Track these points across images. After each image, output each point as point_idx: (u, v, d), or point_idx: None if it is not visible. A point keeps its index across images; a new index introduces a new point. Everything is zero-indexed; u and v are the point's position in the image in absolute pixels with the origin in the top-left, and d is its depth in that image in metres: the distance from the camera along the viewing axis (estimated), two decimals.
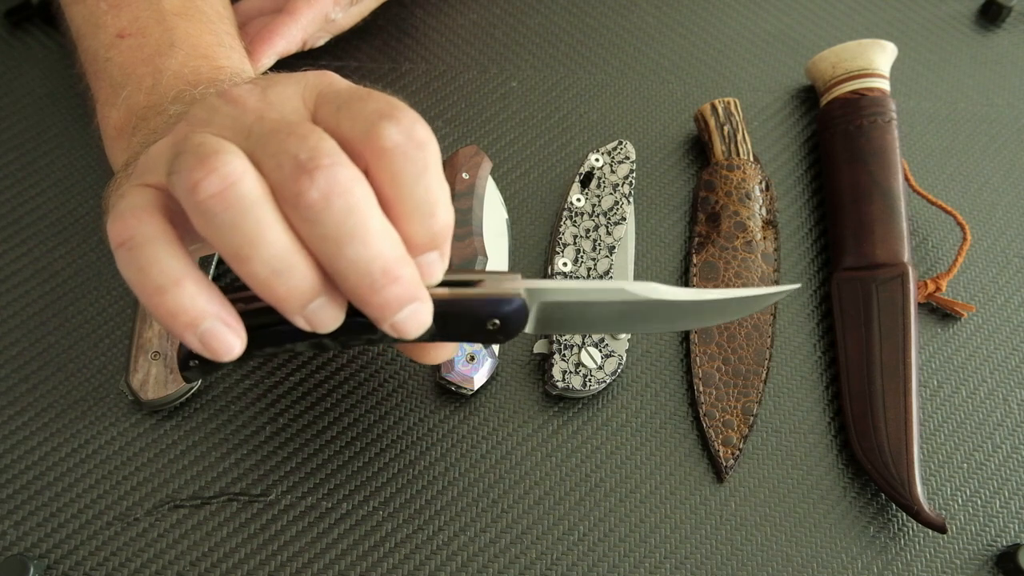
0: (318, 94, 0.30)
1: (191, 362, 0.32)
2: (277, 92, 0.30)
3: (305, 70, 0.32)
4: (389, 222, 0.28)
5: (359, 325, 0.30)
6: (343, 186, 0.26)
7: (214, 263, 0.45)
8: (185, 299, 0.27)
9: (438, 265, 0.31)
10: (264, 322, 0.30)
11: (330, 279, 0.28)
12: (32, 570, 0.39)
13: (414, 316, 0.29)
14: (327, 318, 0.29)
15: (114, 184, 0.34)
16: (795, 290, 0.37)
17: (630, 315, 0.35)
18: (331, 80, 0.31)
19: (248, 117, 0.28)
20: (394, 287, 0.28)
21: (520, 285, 0.33)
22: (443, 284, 0.32)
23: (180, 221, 0.28)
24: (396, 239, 0.28)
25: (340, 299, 0.29)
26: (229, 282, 0.42)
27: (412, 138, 0.28)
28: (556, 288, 0.34)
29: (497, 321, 0.32)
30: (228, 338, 0.28)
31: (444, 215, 0.29)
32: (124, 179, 0.32)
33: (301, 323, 0.29)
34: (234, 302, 0.29)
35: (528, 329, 0.34)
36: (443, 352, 0.36)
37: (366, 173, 0.28)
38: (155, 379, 0.43)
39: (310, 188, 0.26)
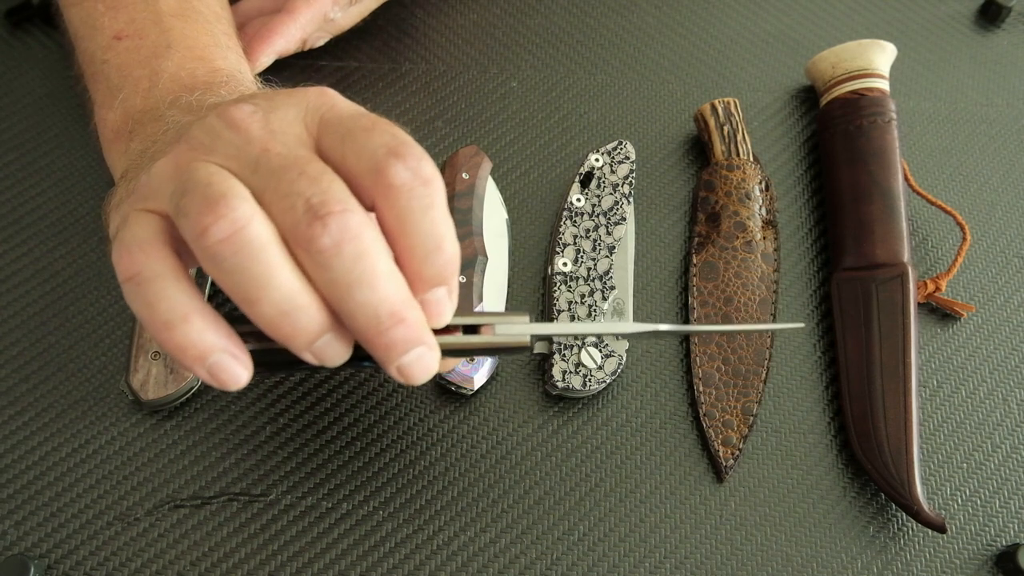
0: (320, 119, 0.30)
1: None
2: (279, 117, 0.29)
3: (306, 81, 0.32)
4: (395, 264, 0.29)
5: (365, 362, 0.31)
6: (353, 232, 0.27)
7: (209, 281, 0.45)
8: (193, 334, 0.28)
9: (446, 304, 0.31)
10: (270, 355, 0.31)
11: (337, 317, 0.29)
12: (32, 570, 0.39)
13: (420, 361, 0.30)
14: (334, 354, 0.30)
15: (115, 198, 0.34)
16: (798, 328, 0.38)
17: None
18: (332, 102, 0.30)
19: (253, 148, 0.28)
20: (400, 328, 0.29)
21: (527, 330, 0.34)
22: (450, 328, 0.32)
23: (186, 249, 0.29)
24: (402, 282, 0.29)
25: (347, 335, 0.30)
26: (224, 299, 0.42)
27: (419, 176, 0.28)
28: (563, 332, 0.36)
29: (503, 352, 0.34)
30: (236, 370, 0.29)
31: (450, 249, 0.30)
32: (125, 195, 0.32)
33: (308, 358, 0.30)
34: (241, 335, 0.30)
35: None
36: (425, 366, 0.36)
37: (372, 207, 0.29)
38: (155, 379, 0.43)
39: (322, 235, 0.27)
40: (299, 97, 0.30)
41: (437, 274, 0.30)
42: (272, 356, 0.31)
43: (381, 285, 0.28)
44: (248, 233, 0.27)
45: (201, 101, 0.35)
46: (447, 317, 0.31)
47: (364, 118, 0.30)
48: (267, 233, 0.27)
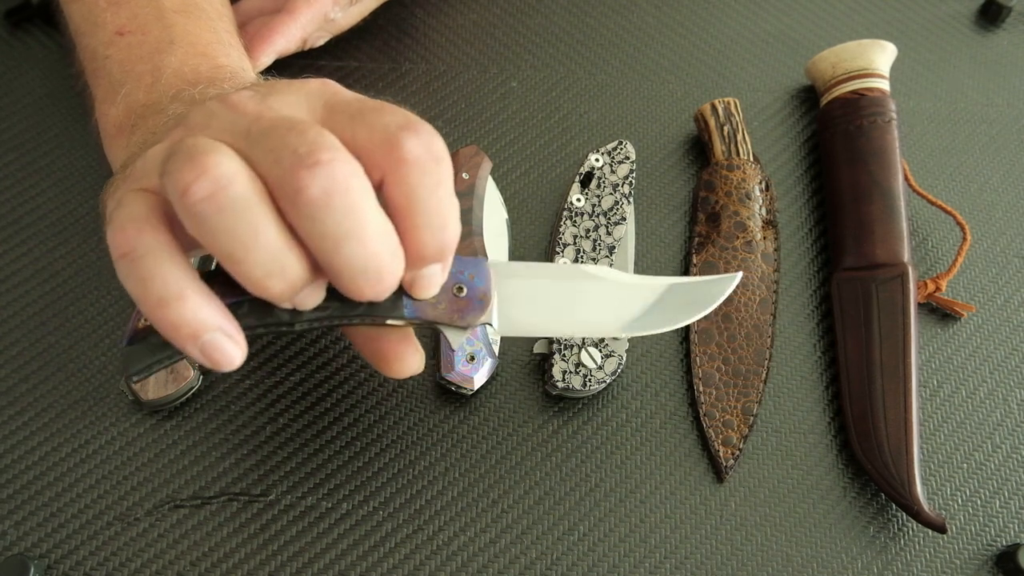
0: (325, 104, 0.30)
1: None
2: (278, 98, 0.29)
3: (307, 76, 0.32)
4: (387, 219, 0.28)
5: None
6: (343, 184, 0.26)
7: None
8: (188, 312, 0.27)
9: (438, 278, 0.31)
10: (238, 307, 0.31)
11: (316, 264, 0.29)
12: (32, 570, 0.39)
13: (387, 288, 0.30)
14: (311, 301, 0.30)
15: (111, 187, 0.34)
16: (739, 278, 0.38)
17: (580, 298, 0.36)
18: (336, 89, 0.30)
19: (247, 119, 0.28)
20: (383, 283, 0.29)
21: (485, 259, 0.34)
22: None
23: (180, 226, 0.28)
24: (392, 235, 0.28)
25: (324, 281, 0.30)
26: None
27: (431, 151, 0.28)
28: (514, 264, 0.36)
29: (464, 288, 0.33)
30: (230, 349, 0.29)
31: (454, 228, 0.30)
32: (121, 182, 0.32)
33: (286, 306, 0.29)
34: (211, 284, 0.29)
35: (493, 320, 0.34)
36: (408, 364, 0.35)
37: (381, 182, 0.28)
38: (155, 379, 0.43)
39: (310, 184, 0.26)
40: (300, 84, 0.30)
41: (439, 252, 0.30)
42: (244, 310, 0.30)
43: (371, 241, 0.27)
44: (232, 191, 0.26)
45: (204, 95, 0.35)
46: (436, 290, 0.32)
47: (372, 101, 0.30)
48: (252, 190, 0.26)
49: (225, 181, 0.26)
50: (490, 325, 0.34)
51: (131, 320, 0.32)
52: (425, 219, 0.29)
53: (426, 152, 0.28)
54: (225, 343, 0.28)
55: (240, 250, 0.27)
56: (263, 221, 0.26)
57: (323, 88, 0.30)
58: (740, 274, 0.39)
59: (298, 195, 0.26)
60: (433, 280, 0.31)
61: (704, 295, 0.38)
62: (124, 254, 0.27)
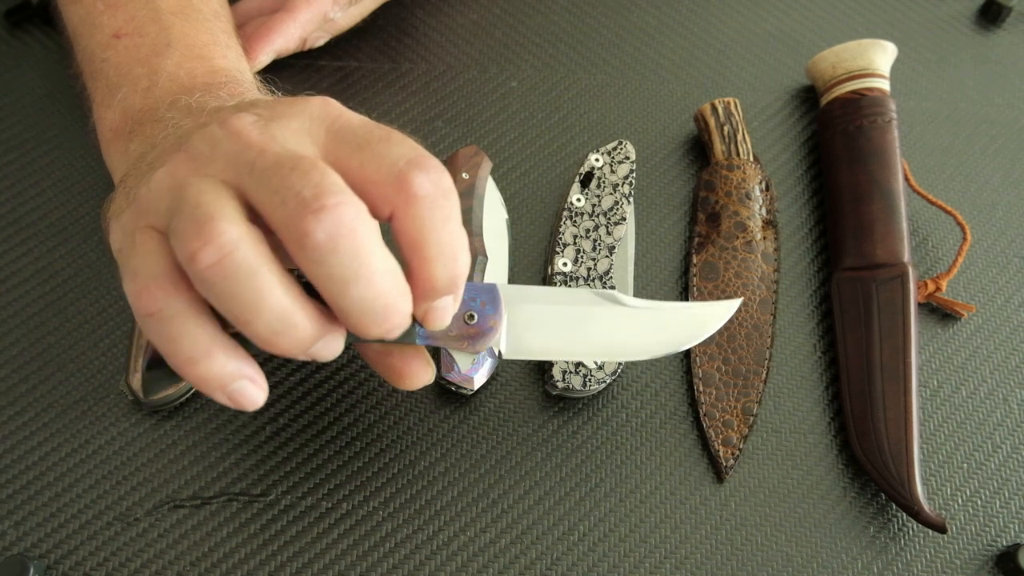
0: (328, 130, 0.30)
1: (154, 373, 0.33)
2: (281, 126, 0.29)
3: (307, 93, 0.32)
4: (392, 256, 0.29)
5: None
6: (349, 227, 0.27)
7: None
8: (215, 368, 0.29)
9: (451, 310, 0.32)
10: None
11: (330, 315, 0.30)
12: (32, 570, 0.39)
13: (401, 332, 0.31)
14: (329, 353, 0.31)
15: (114, 204, 0.34)
16: (738, 304, 0.40)
17: (590, 321, 0.37)
18: (338, 113, 0.30)
19: (250, 153, 0.28)
20: (392, 321, 0.29)
21: (497, 285, 0.35)
22: None
23: None
24: (398, 273, 0.29)
25: (340, 332, 0.31)
26: None
27: (439, 187, 0.29)
28: (525, 289, 0.36)
29: (475, 316, 0.34)
30: (254, 394, 0.31)
31: (464, 260, 0.30)
32: (125, 204, 0.32)
33: (302, 359, 0.31)
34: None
35: (502, 346, 0.36)
36: (420, 378, 0.36)
37: (389, 216, 0.29)
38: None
39: (316, 230, 0.26)
40: (302, 107, 0.30)
41: (449, 284, 0.30)
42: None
43: (377, 280, 0.28)
44: (236, 258, 0.26)
45: (201, 103, 0.35)
46: (448, 321, 0.32)
47: (378, 129, 0.30)
48: (256, 254, 0.27)
49: (231, 247, 0.26)
50: (499, 352, 0.36)
51: (148, 344, 0.33)
52: (436, 252, 0.29)
53: (435, 188, 0.29)
54: (249, 389, 0.30)
55: (246, 312, 0.27)
56: (268, 285, 0.27)
57: (325, 111, 0.30)
58: (740, 300, 0.40)
59: (304, 240, 0.27)
60: (445, 312, 0.31)
61: (706, 320, 0.39)
62: (151, 314, 0.28)
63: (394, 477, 0.43)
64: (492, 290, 0.35)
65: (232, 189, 0.28)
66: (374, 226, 0.28)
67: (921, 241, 0.51)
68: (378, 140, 0.29)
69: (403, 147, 0.29)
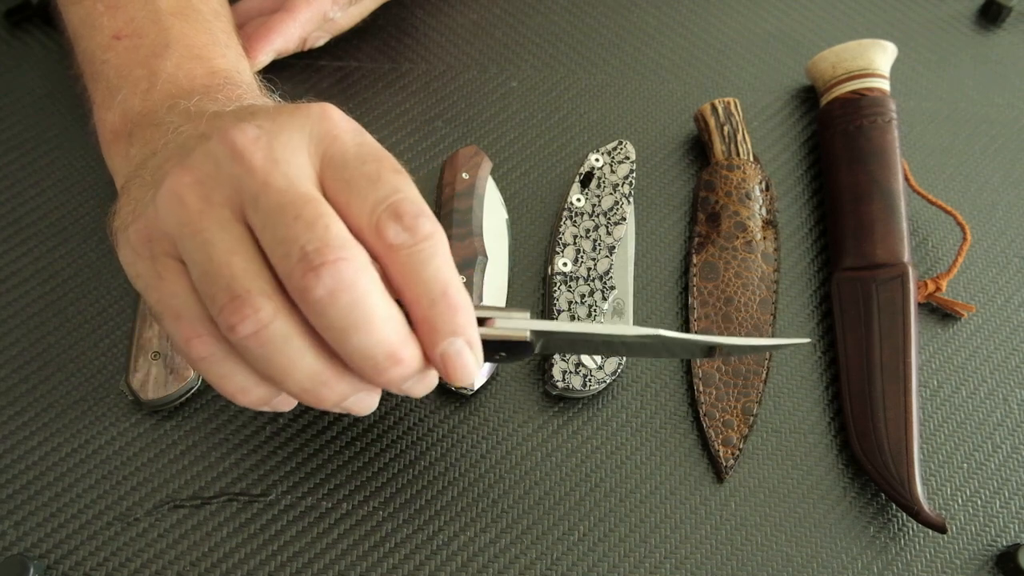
0: (323, 155, 0.30)
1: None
2: (283, 144, 0.30)
3: (308, 99, 0.32)
4: (394, 305, 0.30)
5: None
6: (348, 282, 0.28)
7: None
8: (262, 394, 0.32)
9: (467, 357, 0.31)
10: None
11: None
12: (32, 570, 0.39)
13: (421, 383, 0.32)
14: (362, 408, 0.33)
15: (119, 216, 0.34)
16: (805, 343, 0.39)
17: (632, 346, 0.37)
18: (335, 132, 0.31)
19: (254, 182, 0.29)
20: (397, 368, 0.30)
21: (527, 326, 0.34)
22: None
23: None
24: (400, 321, 0.30)
25: (373, 388, 0.33)
26: None
27: (417, 234, 0.29)
28: (563, 331, 0.35)
29: (504, 353, 0.35)
30: (285, 407, 0.34)
31: (456, 295, 0.30)
32: (131, 218, 0.32)
33: (336, 411, 0.33)
34: None
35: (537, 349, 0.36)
36: (427, 386, 0.36)
37: (378, 256, 0.30)
38: (155, 379, 0.43)
39: (316, 286, 0.28)
40: (302, 121, 0.30)
41: (447, 321, 0.30)
42: None
43: (377, 329, 0.29)
44: (271, 331, 0.29)
45: (200, 107, 0.35)
46: (472, 372, 0.31)
47: (368, 164, 0.30)
48: (288, 327, 0.29)
49: (265, 322, 0.29)
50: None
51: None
52: (423, 290, 0.30)
53: (410, 237, 0.29)
54: (286, 403, 0.34)
55: (280, 375, 0.30)
56: (299, 353, 0.29)
57: (323, 130, 0.31)
58: (808, 340, 0.41)
59: (305, 294, 0.28)
60: (461, 359, 0.31)
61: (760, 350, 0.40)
62: (202, 358, 0.31)
63: (394, 477, 0.43)
64: (523, 349, 0.35)
65: (243, 226, 0.29)
66: (375, 276, 0.29)
67: (921, 241, 0.51)
68: (364, 179, 0.30)
69: (384, 189, 0.29)
